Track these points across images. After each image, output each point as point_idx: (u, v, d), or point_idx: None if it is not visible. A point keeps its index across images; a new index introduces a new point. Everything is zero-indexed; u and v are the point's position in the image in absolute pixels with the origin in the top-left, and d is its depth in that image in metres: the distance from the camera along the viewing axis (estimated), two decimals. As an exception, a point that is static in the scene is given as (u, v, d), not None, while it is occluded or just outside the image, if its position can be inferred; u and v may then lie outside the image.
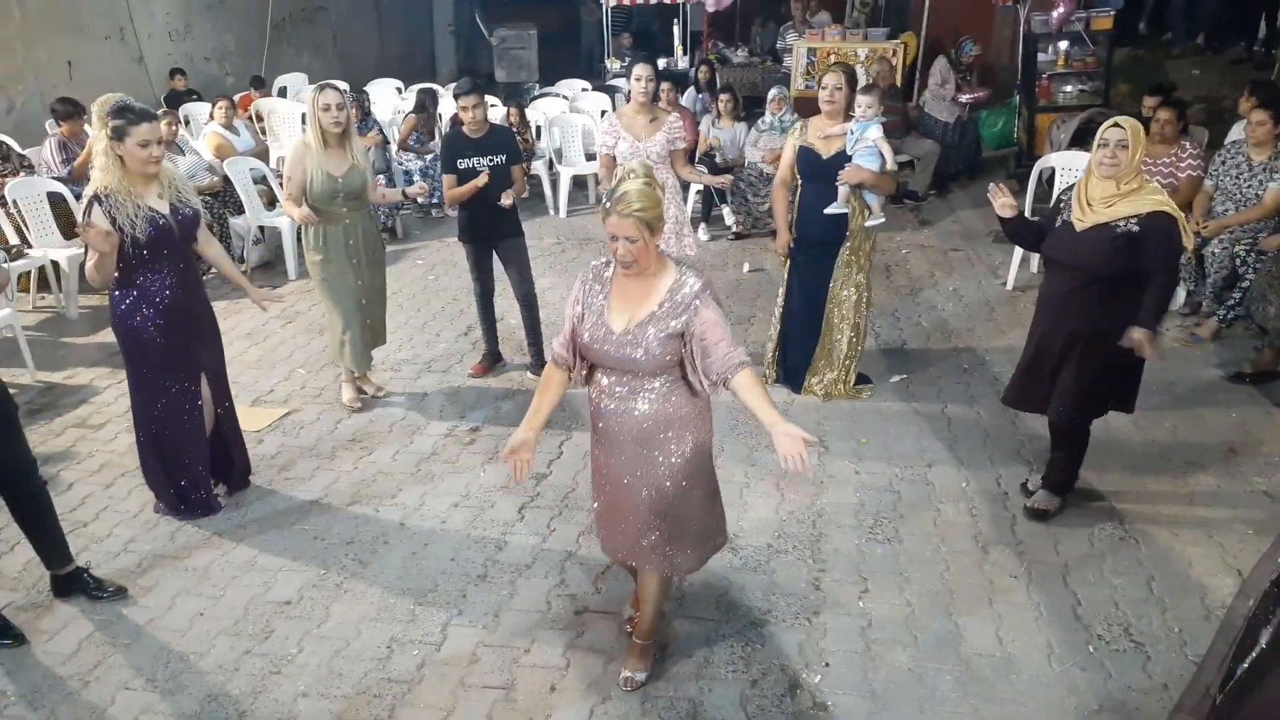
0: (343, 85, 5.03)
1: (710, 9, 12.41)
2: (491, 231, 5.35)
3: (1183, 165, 6.07)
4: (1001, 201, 3.91)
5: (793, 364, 5.24)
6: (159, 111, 7.44)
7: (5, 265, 5.77)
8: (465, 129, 5.28)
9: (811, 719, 3.01)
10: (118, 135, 3.67)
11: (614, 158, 5.29)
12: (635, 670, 3.16)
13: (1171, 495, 4.17)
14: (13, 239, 6.58)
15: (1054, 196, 5.67)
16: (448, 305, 6.76)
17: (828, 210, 4.82)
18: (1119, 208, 3.60)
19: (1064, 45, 8.86)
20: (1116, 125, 3.62)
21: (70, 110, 7.24)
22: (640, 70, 5.27)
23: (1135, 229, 3.56)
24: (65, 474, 4.59)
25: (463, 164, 5.24)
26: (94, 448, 4.87)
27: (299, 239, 5.69)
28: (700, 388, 2.82)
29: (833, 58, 10.94)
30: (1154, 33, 11.34)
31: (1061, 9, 8.41)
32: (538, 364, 5.52)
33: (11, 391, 3.52)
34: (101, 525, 4.18)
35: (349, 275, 4.91)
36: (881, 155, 4.74)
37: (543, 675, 3.21)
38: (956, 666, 3.21)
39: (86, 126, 7.39)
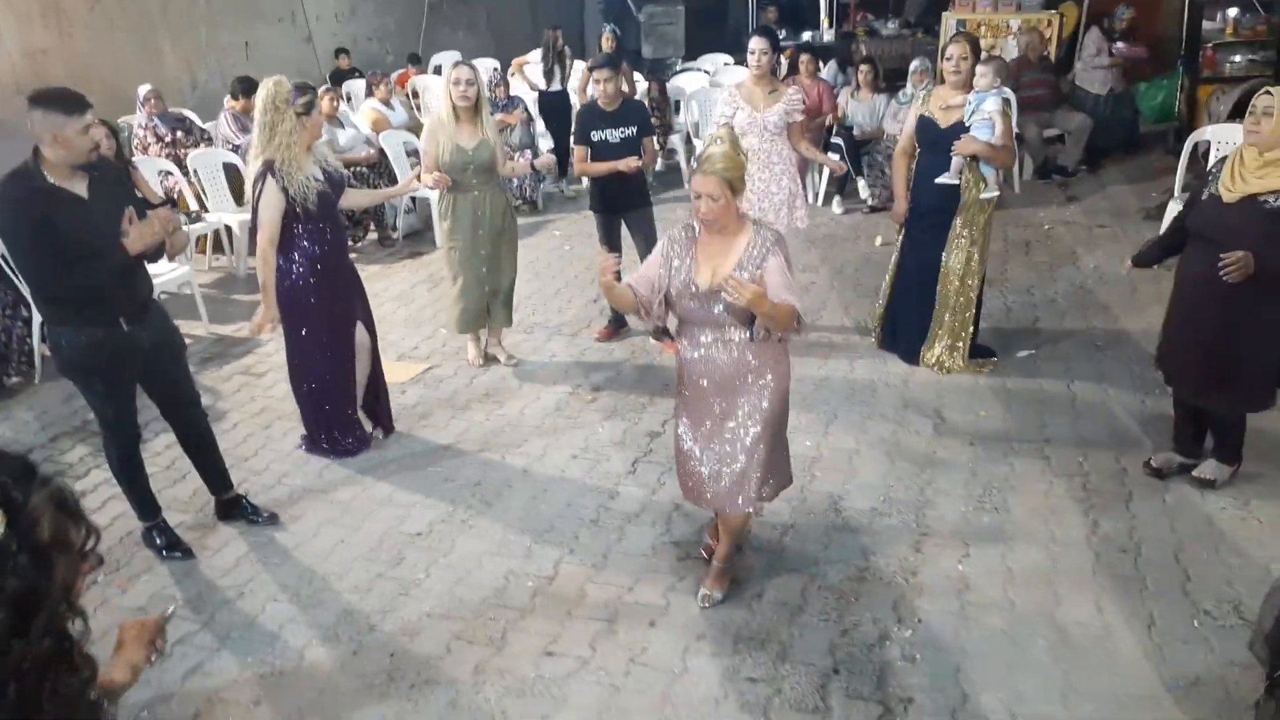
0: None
1: (859, -18, 12.23)
2: (621, 202, 5.55)
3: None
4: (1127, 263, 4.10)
5: (904, 334, 5.23)
6: (323, 88, 8.02)
7: (185, 228, 6.37)
8: (599, 102, 5.49)
9: (898, 670, 3.09)
10: (308, 110, 4.10)
11: (731, 128, 5.39)
12: (713, 589, 3.43)
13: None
14: (192, 204, 7.23)
15: (1209, 166, 5.43)
16: (580, 274, 7.03)
17: (938, 180, 4.81)
18: (1267, 180, 3.46)
19: (1232, 12, 8.36)
20: (1267, 92, 3.51)
21: (246, 88, 7.85)
22: (755, 43, 5.34)
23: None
24: (231, 415, 5.09)
25: (595, 136, 5.45)
26: (256, 393, 5.37)
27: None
28: (754, 336, 3.04)
29: (983, 29, 10.65)
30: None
31: (1231, -27, 7.91)
32: (660, 330, 5.69)
33: (187, 341, 3.96)
34: (260, 460, 4.63)
35: (474, 245, 5.17)
36: (994, 128, 4.67)
37: (643, 612, 3.41)
38: (1051, 632, 3.22)
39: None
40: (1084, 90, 9.06)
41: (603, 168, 5.38)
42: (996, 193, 4.88)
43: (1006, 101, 4.91)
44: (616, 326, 5.89)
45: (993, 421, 4.61)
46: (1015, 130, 8.33)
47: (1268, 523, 3.72)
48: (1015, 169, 8.50)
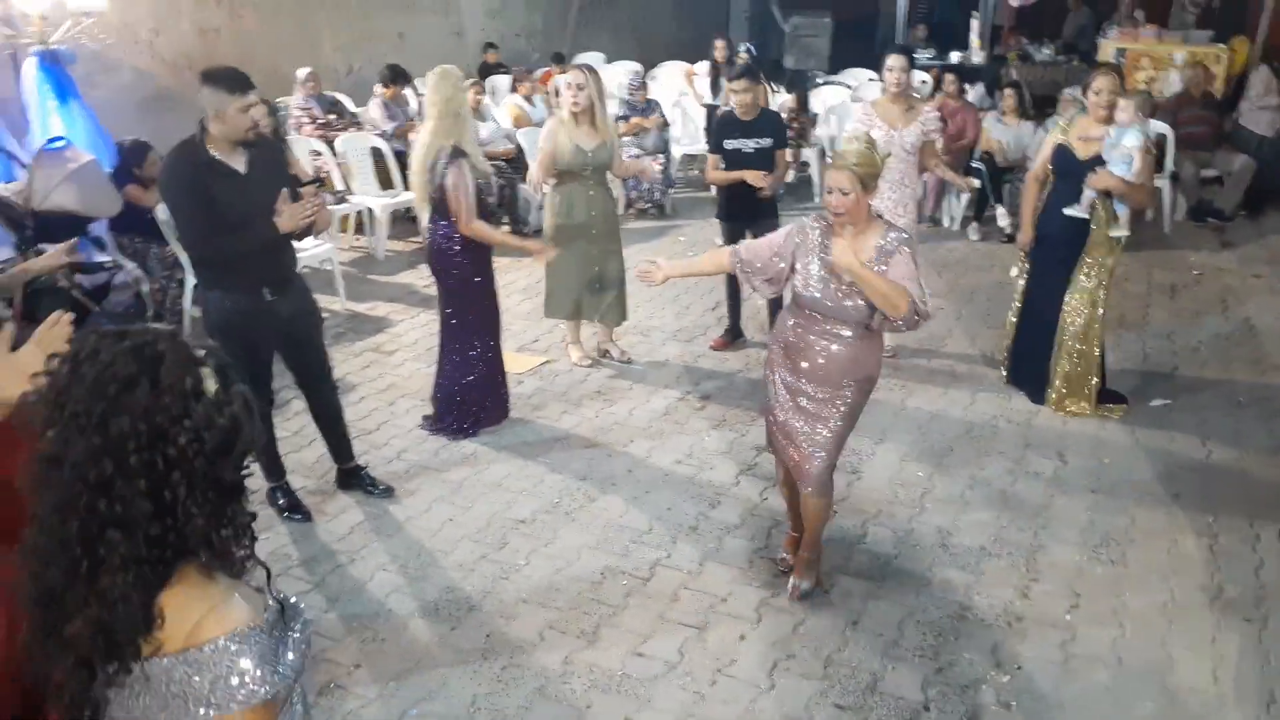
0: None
1: (1015, 3, 11.89)
2: (748, 212, 5.54)
3: None
4: None
5: (1029, 370, 5.06)
6: (469, 81, 8.29)
7: (330, 207, 6.68)
8: (736, 111, 5.51)
9: (991, 714, 3.01)
10: (469, 97, 4.32)
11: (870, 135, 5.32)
12: (801, 580, 3.55)
13: None
14: (338, 185, 7.57)
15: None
16: (701, 281, 7.02)
17: (1067, 210, 4.65)
18: None
19: None
20: None
21: (395, 75, 8.19)
22: (891, 60, 5.26)
23: None
24: (359, 389, 5.31)
25: (730, 145, 5.48)
26: (384, 370, 5.59)
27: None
28: (874, 324, 3.20)
29: (1145, 60, 10.21)
30: None
31: None
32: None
33: (323, 316, 4.17)
34: (382, 435, 4.82)
35: (583, 242, 5.26)
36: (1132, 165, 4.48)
37: (734, 624, 3.41)
38: (1160, 696, 3.08)
39: (406, 91, 8.34)
40: (1248, 131, 8.58)
41: (732, 176, 5.40)
42: (1126, 233, 4.69)
43: (1150, 137, 4.69)
44: (733, 337, 5.90)
45: (1117, 470, 4.43)
46: (1172, 169, 8.06)
47: None
48: (1167, 209, 8.13)
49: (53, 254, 3.97)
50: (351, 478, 4.30)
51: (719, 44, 9.36)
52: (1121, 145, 4.52)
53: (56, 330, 1.72)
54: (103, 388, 1.27)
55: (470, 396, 4.72)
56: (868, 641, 3.33)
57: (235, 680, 1.29)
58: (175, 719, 1.30)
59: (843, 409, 3.31)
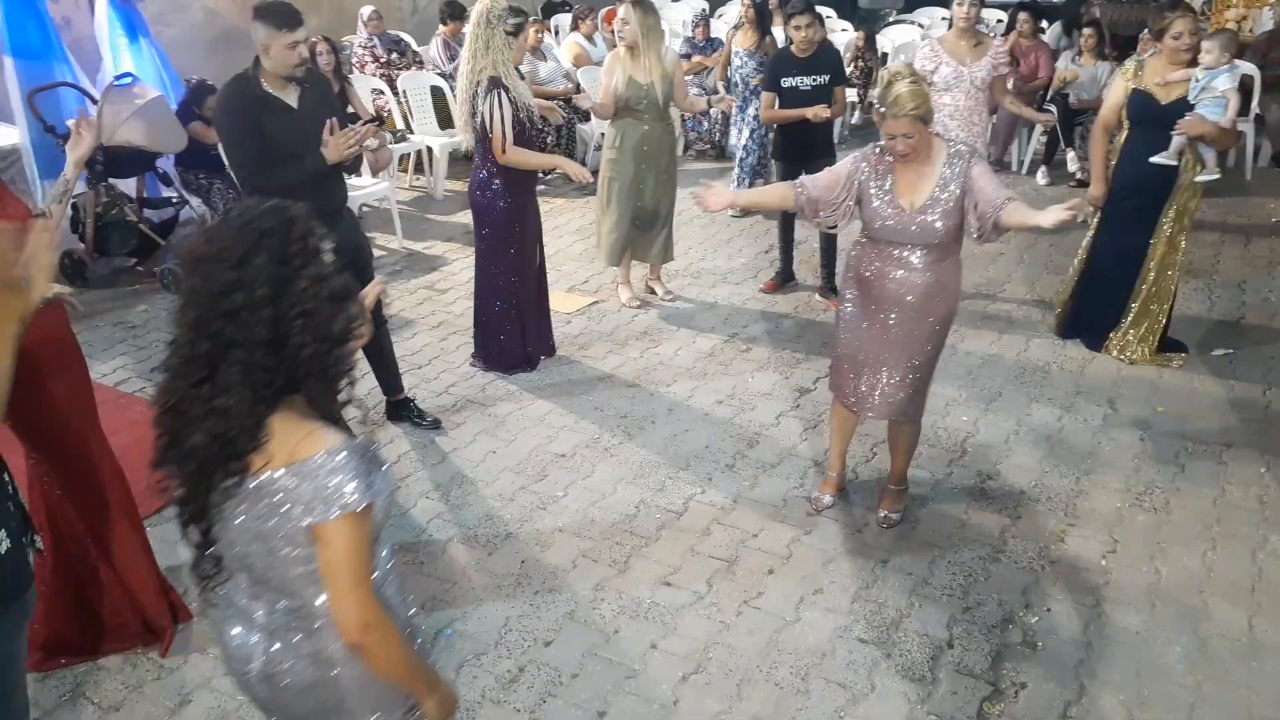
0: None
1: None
2: (805, 152, 5.45)
3: None
4: None
5: (1090, 320, 4.93)
6: (531, 19, 8.26)
7: (390, 145, 6.77)
8: (794, 48, 5.41)
9: (1016, 653, 3.01)
10: (516, 31, 4.33)
11: (931, 84, 5.19)
12: (891, 510, 3.65)
13: None
14: (399, 124, 7.66)
15: None
16: (755, 224, 6.99)
17: (1155, 159, 4.45)
18: None
19: None
20: None
21: (454, 12, 8.20)
22: None
23: None
24: (413, 325, 5.43)
25: (786, 83, 5.39)
26: (437, 308, 5.70)
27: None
28: (974, 236, 3.19)
29: (1237, -2, 9.71)
30: None
31: None
32: (828, 288, 5.63)
33: (379, 253, 4.27)
34: (432, 370, 4.94)
35: (636, 178, 5.27)
36: (1226, 107, 4.29)
37: (764, 558, 3.45)
38: (1191, 642, 3.04)
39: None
40: None
41: (790, 114, 5.32)
42: (1217, 174, 4.50)
43: (1244, 77, 4.47)
44: (783, 280, 5.86)
45: (1170, 419, 4.32)
46: (1256, 111, 7.69)
47: None
48: (1250, 154, 7.78)
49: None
50: (401, 409, 4.42)
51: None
52: (1213, 87, 4.33)
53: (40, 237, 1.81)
54: (245, 233, 1.51)
55: (507, 331, 4.77)
56: (896, 580, 3.35)
57: (333, 490, 1.49)
58: (280, 527, 1.52)
59: (929, 334, 3.34)
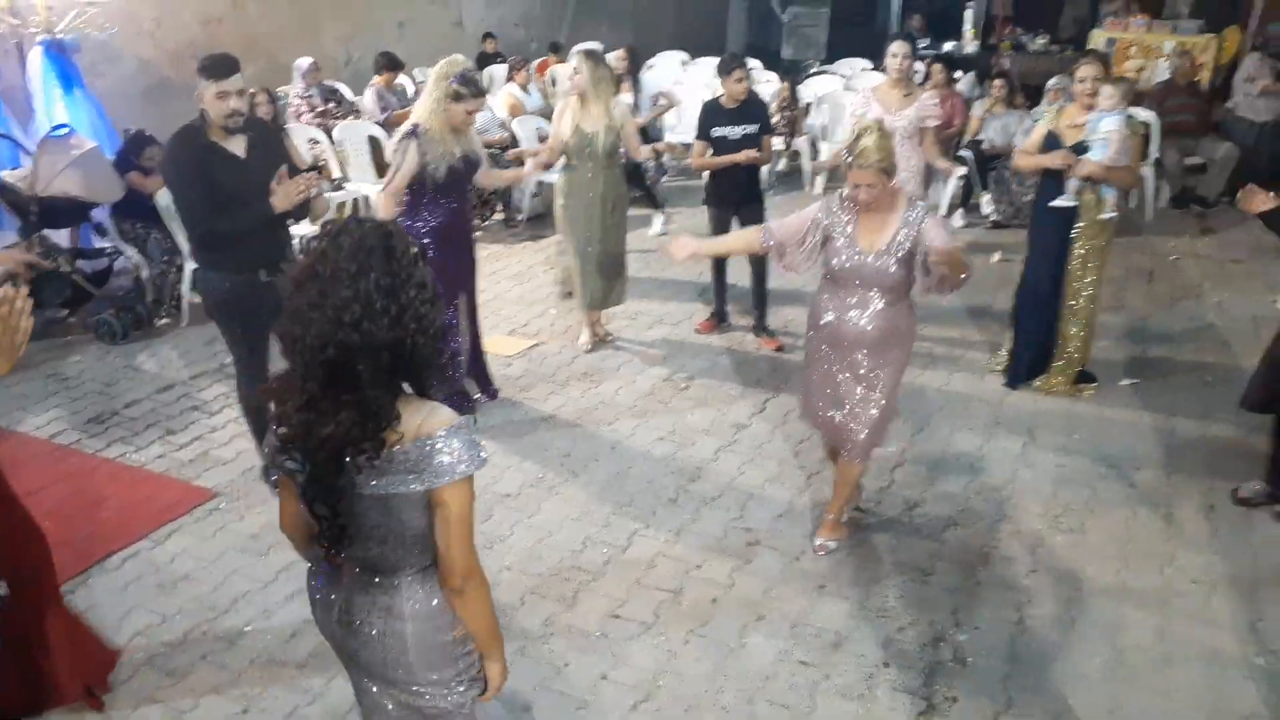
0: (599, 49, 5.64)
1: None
2: (734, 196, 5.69)
3: None
4: (1257, 199, 3.84)
5: (1026, 359, 5.17)
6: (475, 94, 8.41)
7: (327, 194, 6.83)
8: (723, 100, 5.65)
9: (948, 670, 3.18)
10: (455, 98, 4.39)
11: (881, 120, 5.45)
12: (827, 539, 3.81)
13: None
14: (335, 173, 7.72)
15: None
16: (689, 267, 7.13)
17: (1052, 204, 4.76)
18: None
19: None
20: None
21: (389, 63, 8.35)
22: (896, 47, 5.42)
23: None
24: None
25: (717, 132, 5.62)
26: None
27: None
28: (922, 290, 3.41)
29: (1134, 49, 10.34)
30: None
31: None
32: (761, 327, 5.84)
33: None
34: (374, 413, 4.98)
35: (586, 223, 5.43)
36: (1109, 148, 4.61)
37: (708, 588, 3.58)
38: (1109, 653, 3.24)
39: (401, 79, 8.49)
40: (1245, 119, 8.67)
41: (722, 161, 5.54)
42: (1114, 214, 4.80)
43: (1140, 121, 4.78)
44: (718, 320, 6.05)
45: (1084, 445, 4.58)
46: (1156, 156, 8.18)
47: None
48: (1150, 195, 8.26)
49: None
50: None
51: (622, 52, 8.93)
52: (1099, 129, 4.65)
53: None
54: (355, 253, 1.71)
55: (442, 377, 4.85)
56: (833, 605, 3.50)
57: (449, 459, 1.76)
58: (404, 492, 1.77)
59: (888, 376, 3.53)
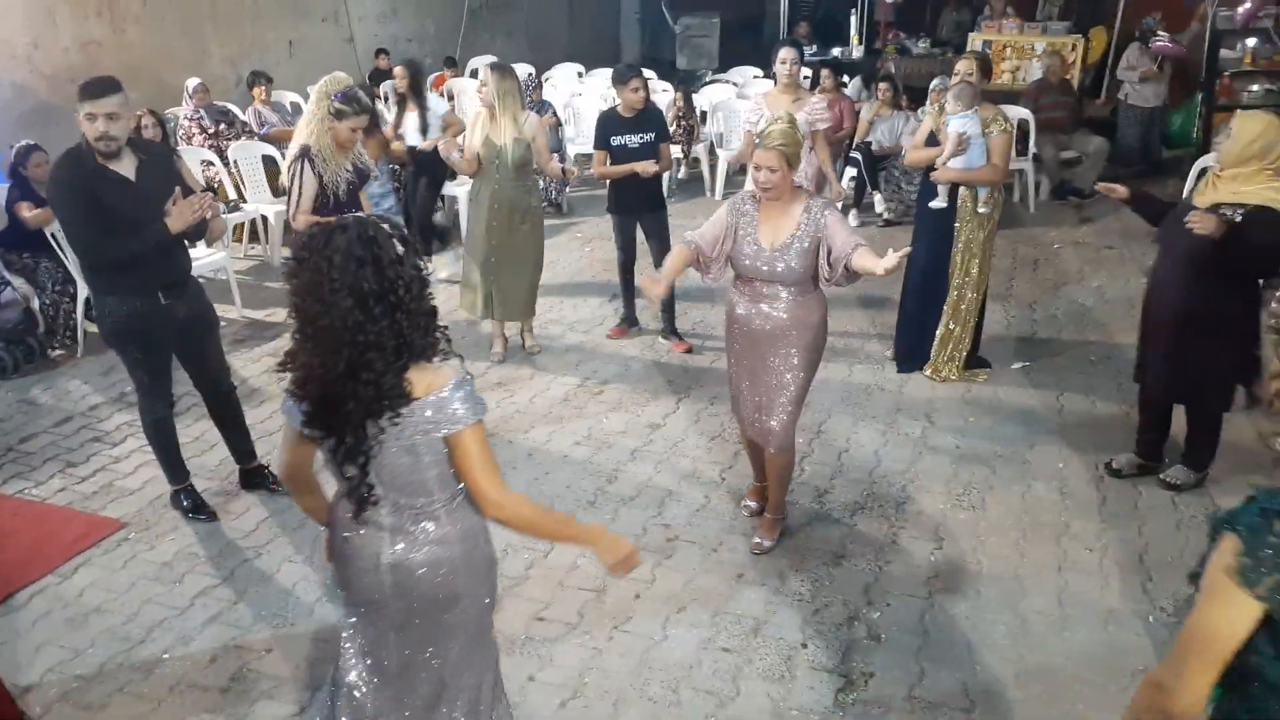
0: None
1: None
2: (637, 204, 5.79)
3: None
4: (1111, 195, 4.11)
5: (906, 343, 5.43)
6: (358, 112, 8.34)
7: (224, 215, 6.69)
8: (620, 109, 5.74)
9: (863, 647, 3.31)
10: (338, 116, 4.38)
11: (755, 135, 5.61)
12: (764, 538, 3.86)
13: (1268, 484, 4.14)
14: (231, 194, 7.57)
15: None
16: (598, 274, 7.28)
17: (931, 204, 5.00)
18: (1232, 191, 3.69)
19: (1251, 43, 8.46)
20: (1238, 116, 3.72)
21: (255, 78, 8.42)
22: (785, 53, 5.59)
23: (1239, 218, 3.62)
24: (259, 393, 5.38)
25: (616, 141, 5.70)
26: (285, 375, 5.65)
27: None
28: (826, 280, 3.51)
29: (1009, 50, 10.83)
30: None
31: (1249, 4, 8.04)
32: (670, 329, 5.95)
33: (221, 322, 4.26)
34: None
35: (486, 235, 5.46)
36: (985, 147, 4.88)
37: (630, 585, 3.64)
38: (1012, 620, 3.42)
39: (291, 95, 8.40)
40: (1137, 107, 9.15)
41: (621, 170, 5.63)
42: (986, 210, 5.03)
43: (1005, 121, 5.02)
44: (628, 325, 6.14)
45: (980, 428, 4.81)
46: (1034, 151, 8.60)
47: (1234, 531, 3.89)
48: (1031, 189, 8.67)
49: None
50: (254, 477, 4.40)
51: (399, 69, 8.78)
52: (949, 131, 4.89)
53: None
54: (347, 264, 1.93)
55: None
56: (752, 592, 3.60)
57: (461, 408, 2.03)
58: (426, 441, 2.03)
59: (797, 366, 3.62)
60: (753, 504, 4.07)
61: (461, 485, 2.15)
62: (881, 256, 3.32)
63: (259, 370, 5.69)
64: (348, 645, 2.35)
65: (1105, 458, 4.43)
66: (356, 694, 2.32)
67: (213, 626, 3.49)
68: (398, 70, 7.39)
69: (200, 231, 3.87)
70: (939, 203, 5.00)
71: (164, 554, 3.93)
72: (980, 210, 4.99)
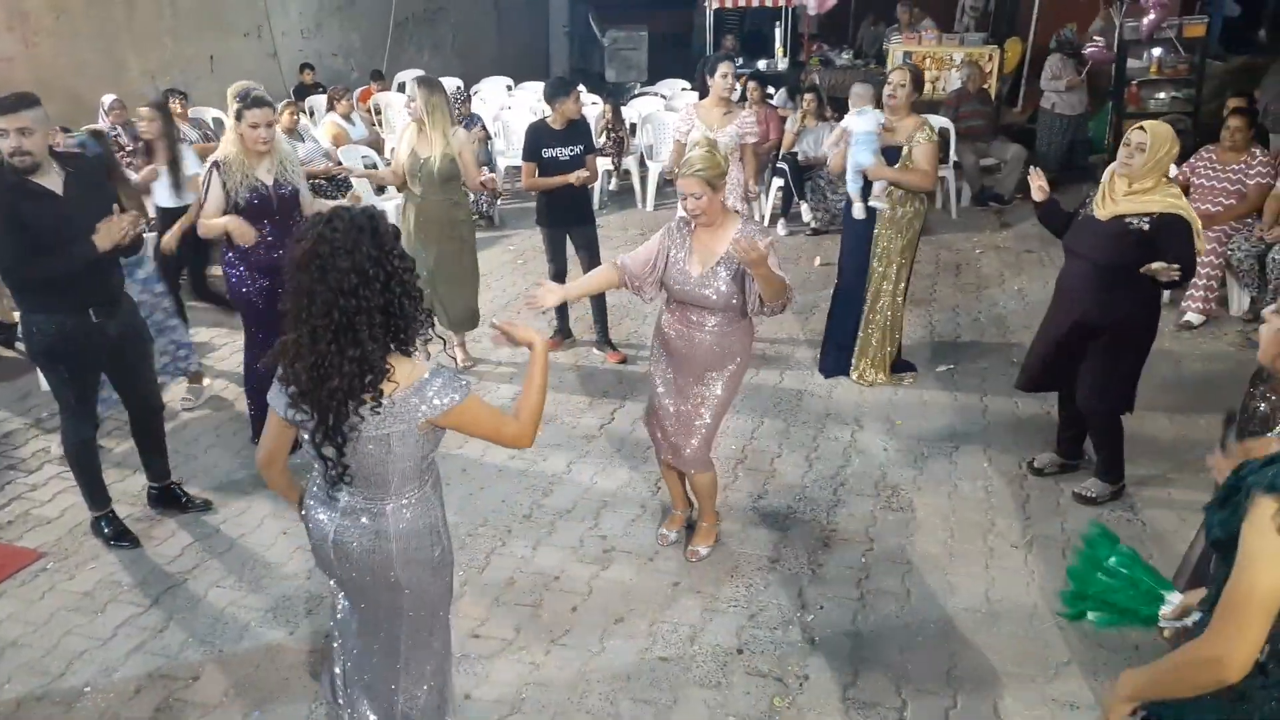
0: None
1: (812, 12, 12.64)
2: (566, 217, 5.81)
3: (1252, 173, 6.10)
4: (1037, 185, 4.19)
5: (833, 349, 5.51)
6: (283, 102, 8.21)
7: (146, 235, 6.51)
8: (550, 121, 5.75)
9: (799, 650, 3.35)
10: (237, 116, 4.36)
11: (685, 144, 5.67)
12: (700, 545, 3.89)
13: (1188, 484, 4.29)
14: (151, 212, 7.36)
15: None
16: (531, 286, 7.23)
17: (854, 214, 5.11)
18: (1134, 204, 3.79)
19: (1157, 52, 8.81)
20: (1140, 128, 3.80)
21: (171, 96, 8.24)
22: (725, 68, 5.67)
23: (1146, 227, 3.75)
24: (181, 414, 5.26)
25: (546, 153, 5.71)
26: (207, 394, 5.53)
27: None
28: (751, 310, 3.47)
29: (928, 61, 11.09)
30: (1275, 40, 11.09)
31: (1153, 15, 8.37)
32: (604, 341, 5.96)
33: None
34: (209, 458, 4.81)
35: (416, 249, 5.40)
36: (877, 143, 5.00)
37: (567, 598, 3.64)
38: (942, 618, 3.50)
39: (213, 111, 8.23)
40: (1062, 115, 9.39)
41: (552, 181, 5.63)
42: (882, 205, 5.11)
43: (941, 129, 5.15)
44: (562, 337, 6.14)
45: (907, 430, 4.90)
46: (955, 159, 8.82)
47: (1150, 526, 4.03)
48: (953, 195, 8.89)
49: None
50: (166, 495, 4.30)
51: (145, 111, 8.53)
52: (848, 129, 5.04)
53: None
54: (349, 232, 2.08)
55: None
56: (687, 600, 3.62)
57: (445, 392, 2.18)
58: (402, 428, 2.18)
59: (717, 391, 3.62)
60: (670, 534, 4.01)
61: (412, 489, 2.33)
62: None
63: (180, 391, 5.54)
64: (333, 601, 2.66)
65: (1028, 456, 4.56)
66: (335, 644, 2.70)
67: (137, 656, 3.40)
68: (144, 111, 5.86)
69: (135, 247, 3.81)
70: (859, 213, 5.11)
71: (85, 583, 3.81)
72: (874, 204, 5.07)
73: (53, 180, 3.55)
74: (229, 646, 3.44)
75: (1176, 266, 3.66)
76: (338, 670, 2.70)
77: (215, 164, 4.35)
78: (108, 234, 3.53)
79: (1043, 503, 4.22)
